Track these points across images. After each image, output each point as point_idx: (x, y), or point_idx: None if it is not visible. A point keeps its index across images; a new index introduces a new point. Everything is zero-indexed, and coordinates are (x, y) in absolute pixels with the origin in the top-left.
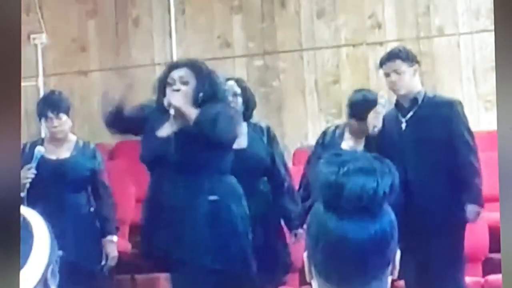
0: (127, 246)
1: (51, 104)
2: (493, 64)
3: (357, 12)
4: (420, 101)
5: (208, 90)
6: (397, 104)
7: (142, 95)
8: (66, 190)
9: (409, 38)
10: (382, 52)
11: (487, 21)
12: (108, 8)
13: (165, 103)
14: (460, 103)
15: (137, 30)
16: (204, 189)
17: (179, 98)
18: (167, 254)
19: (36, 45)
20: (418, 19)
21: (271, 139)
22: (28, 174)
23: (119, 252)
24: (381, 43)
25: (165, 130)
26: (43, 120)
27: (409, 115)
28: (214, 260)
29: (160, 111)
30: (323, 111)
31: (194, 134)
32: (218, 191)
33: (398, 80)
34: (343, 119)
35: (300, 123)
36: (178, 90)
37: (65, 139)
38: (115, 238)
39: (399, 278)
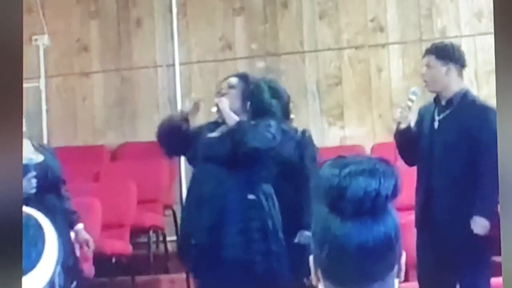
0: (128, 248)
1: None
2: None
3: (359, 14)
4: (455, 103)
5: (255, 99)
6: (436, 101)
7: (144, 96)
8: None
9: (411, 41)
10: (384, 54)
11: (490, 23)
12: (110, 9)
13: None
14: (494, 111)
15: (139, 32)
16: (244, 188)
17: (224, 100)
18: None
19: (38, 46)
20: (420, 21)
21: (305, 141)
22: (32, 182)
23: (120, 254)
24: (383, 46)
25: (216, 132)
26: None
27: (443, 115)
28: (243, 253)
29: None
30: (324, 113)
31: (234, 140)
32: (256, 192)
33: (427, 75)
34: (344, 121)
35: (302, 125)
36: (225, 94)
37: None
38: (81, 225)
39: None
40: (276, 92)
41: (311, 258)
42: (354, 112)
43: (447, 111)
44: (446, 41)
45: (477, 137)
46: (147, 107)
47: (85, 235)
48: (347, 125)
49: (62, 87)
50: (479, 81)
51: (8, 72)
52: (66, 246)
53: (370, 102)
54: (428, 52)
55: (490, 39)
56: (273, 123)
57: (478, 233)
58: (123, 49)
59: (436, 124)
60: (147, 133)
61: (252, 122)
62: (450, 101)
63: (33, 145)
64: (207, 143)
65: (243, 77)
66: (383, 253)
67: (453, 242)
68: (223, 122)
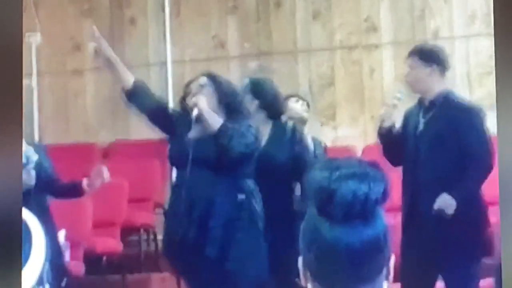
0: (119, 247)
1: None
2: (488, 68)
3: (352, 14)
4: (438, 104)
5: (227, 99)
6: (420, 103)
7: None
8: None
9: (404, 41)
10: (377, 55)
11: (483, 25)
12: (104, 7)
13: (189, 104)
14: (482, 110)
15: (132, 30)
16: (233, 189)
17: (202, 98)
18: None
19: (30, 44)
20: (413, 22)
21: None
22: (31, 174)
23: (111, 252)
24: (376, 46)
25: (195, 132)
26: None
27: (427, 117)
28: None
29: (185, 115)
30: (316, 113)
31: (219, 144)
32: (245, 191)
33: (410, 76)
34: (336, 121)
35: None
36: (200, 93)
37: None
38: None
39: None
40: (260, 92)
41: (300, 259)
42: (347, 113)
43: (431, 113)
44: (430, 43)
45: (461, 137)
46: None
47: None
48: (339, 126)
49: (55, 85)
50: (471, 83)
51: (7, 70)
52: (55, 245)
53: (363, 103)
54: (411, 53)
55: (483, 41)
56: (252, 124)
57: (440, 209)
58: (116, 48)
59: (421, 126)
60: (139, 131)
61: (235, 125)
62: (433, 103)
63: (27, 143)
64: (190, 145)
65: (211, 77)
66: (372, 256)
67: (439, 242)
68: (199, 119)
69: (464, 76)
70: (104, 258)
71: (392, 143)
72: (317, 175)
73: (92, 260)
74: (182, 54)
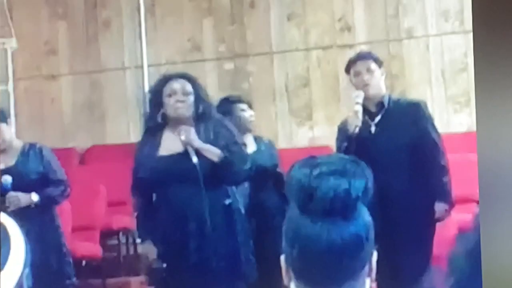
0: (98, 251)
1: None
2: (462, 66)
3: (326, 14)
4: (386, 104)
5: (205, 104)
6: (364, 108)
7: (113, 98)
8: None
9: (378, 40)
10: (351, 54)
11: (456, 22)
12: (78, 10)
13: (165, 113)
14: (425, 104)
15: (107, 33)
16: (220, 195)
17: (192, 131)
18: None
19: (5, 50)
20: (387, 21)
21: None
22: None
23: (90, 256)
24: (350, 46)
25: (167, 148)
26: None
27: (377, 119)
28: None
29: (155, 125)
30: (293, 114)
31: (218, 167)
32: (232, 195)
33: (370, 79)
34: (313, 121)
35: (270, 126)
36: (182, 101)
37: (10, 147)
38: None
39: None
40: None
41: (282, 257)
42: (323, 113)
43: (380, 115)
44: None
45: (416, 130)
46: (116, 109)
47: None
48: (315, 126)
49: (31, 89)
50: (446, 80)
51: None
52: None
53: (338, 103)
54: (362, 57)
55: (457, 39)
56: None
57: (439, 217)
58: (91, 51)
59: (373, 129)
60: (116, 135)
61: (233, 149)
62: (381, 105)
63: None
64: (164, 164)
65: (190, 79)
66: (353, 253)
67: (408, 233)
68: (161, 124)
69: (439, 74)
70: (84, 262)
71: (348, 150)
72: (297, 172)
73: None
74: (158, 57)
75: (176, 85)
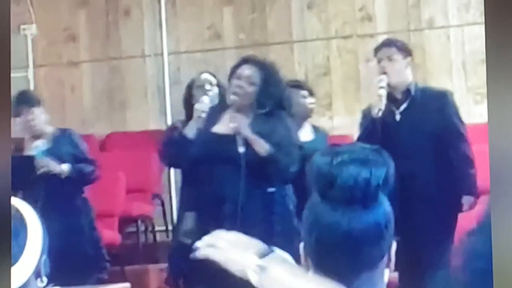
0: (117, 238)
1: (22, 102)
2: (483, 57)
3: (347, 4)
4: (413, 93)
5: (272, 97)
6: (389, 96)
7: (133, 86)
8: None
9: (399, 30)
10: (372, 44)
11: (477, 13)
12: None
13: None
14: (451, 93)
15: (128, 21)
16: (263, 183)
17: (244, 121)
18: None
19: (26, 36)
20: (408, 11)
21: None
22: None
23: (109, 244)
24: (371, 35)
25: (221, 128)
26: (18, 119)
27: (403, 107)
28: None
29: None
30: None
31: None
32: (274, 184)
33: (389, 66)
34: (333, 111)
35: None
36: (242, 88)
37: (42, 132)
38: None
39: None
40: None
41: (301, 245)
42: (343, 102)
43: (406, 103)
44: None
45: (442, 119)
46: (136, 97)
47: None
48: (335, 115)
49: (50, 76)
50: (467, 71)
51: None
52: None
53: (359, 92)
54: (386, 45)
55: (478, 30)
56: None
57: (467, 210)
58: (111, 39)
59: (398, 117)
60: (136, 122)
61: (284, 148)
62: (407, 93)
63: None
64: (217, 143)
65: (267, 69)
66: (372, 242)
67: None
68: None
69: (459, 65)
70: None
71: (371, 133)
72: (318, 160)
73: None
74: (177, 45)
75: (246, 71)
